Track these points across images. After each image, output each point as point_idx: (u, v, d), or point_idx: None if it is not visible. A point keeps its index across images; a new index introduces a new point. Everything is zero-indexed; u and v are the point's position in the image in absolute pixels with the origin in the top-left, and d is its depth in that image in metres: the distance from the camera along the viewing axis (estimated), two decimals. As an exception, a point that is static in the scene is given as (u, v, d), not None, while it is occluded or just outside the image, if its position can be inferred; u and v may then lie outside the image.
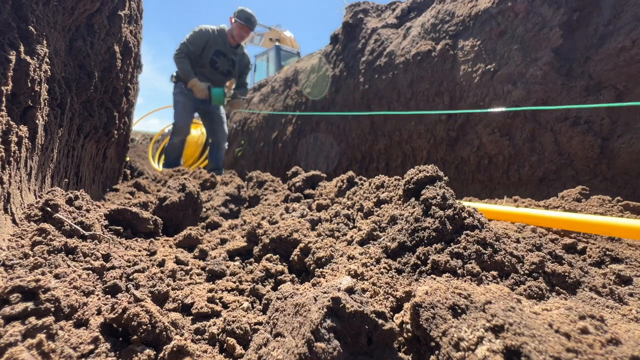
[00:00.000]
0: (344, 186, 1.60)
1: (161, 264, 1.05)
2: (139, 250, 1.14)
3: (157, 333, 0.63)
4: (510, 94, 2.69)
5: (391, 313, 0.71)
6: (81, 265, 0.84)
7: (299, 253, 1.06)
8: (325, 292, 0.57)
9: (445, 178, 1.03)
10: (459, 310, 0.52)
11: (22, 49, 0.99)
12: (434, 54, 3.32)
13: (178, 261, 1.11)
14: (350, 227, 1.25)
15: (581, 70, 2.34)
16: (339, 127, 4.49)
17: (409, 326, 0.58)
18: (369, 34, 4.32)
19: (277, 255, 1.12)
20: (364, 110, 4.09)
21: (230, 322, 0.74)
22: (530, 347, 0.42)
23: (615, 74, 2.16)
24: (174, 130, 4.25)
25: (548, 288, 0.75)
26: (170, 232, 1.52)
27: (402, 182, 1.09)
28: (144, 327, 0.62)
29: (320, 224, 1.33)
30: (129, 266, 0.93)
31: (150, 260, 1.07)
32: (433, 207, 0.91)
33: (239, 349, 0.68)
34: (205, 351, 0.68)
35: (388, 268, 0.86)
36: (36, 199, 1.14)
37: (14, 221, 0.92)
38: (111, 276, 0.85)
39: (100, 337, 0.62)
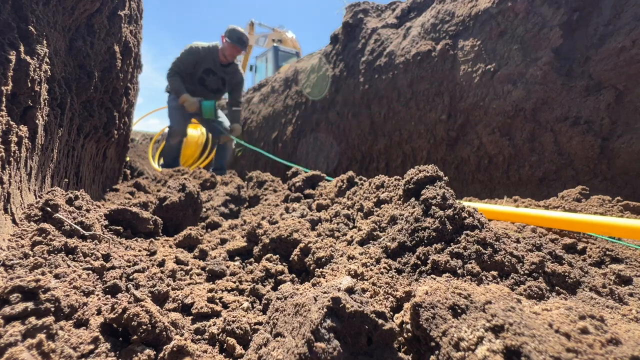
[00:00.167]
0: (344, 186, 1.60)
1: (161, 264, 1.05)
2: (139, 250, 1.14)
3: (157, 333, 0.63)
4: (510, 94, 2.69)
5: (391, 313, 0.71)
6: (81, 265, 0.84)
7: (299, 253, 1.06)
8: (325, 292, 0.57)
9: (445, 178, 1.03)
10: (459, 310, 0.52)
11: (22, 49, 0.99)
12: (434, 54, 3.32)
13: (178, 261, 1.11)
14: (350, 227, 1.25)
15: (581, 70, 2.34)
16: (339, 127, 4.49)
17: (409, 326, 0.58)
18: (369, 34, 4.32)
19: (277, 255, 1.12)
20: (363, 110, 4.09)
21: (230, 322, 0.74)
22: (530, 347, 0.42)
23: (615, 74, 2.16)
24: (170, 133, 4.27)
25: (548, 288, 0.75)
26: (170, 232, 1.52)
27: (402, 182, 1.09)
28: (144, 327, 0.62)
29: (320, 224, 1.33)
30: (129, 266, 0.93)
31: (150, 260, 1.07)
32: (433, 207, 0.91)
33: (239, 349, 0.68)
34: (205, 351, 0.68)
35: (388, 268, 0.86)
36: (36, 199, 1.14)
37: (14, 221, 0.92)
38: (111, 276, 0.85)
39: (100, 337, 0.62)
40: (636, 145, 2.06)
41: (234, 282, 1.01)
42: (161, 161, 4.56)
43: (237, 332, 0.72)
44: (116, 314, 0.64)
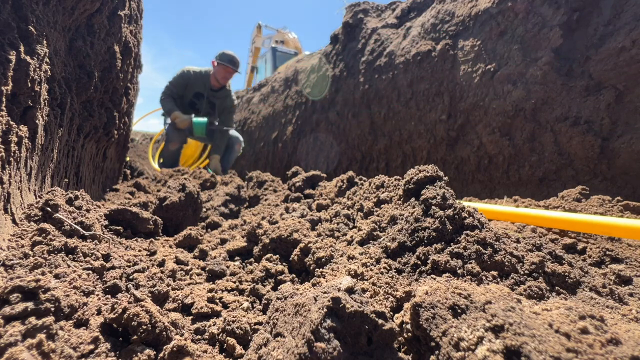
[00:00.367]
0: (344, 186, 1.60)
1: (161, 264, 1.05)
2: (139, 250, 1.14)
3: (157, 333, 0.63)
4: (510, 94, 2.69)
5: (391, 313, 0.71)
6: (81, 265, 0.84)
7: (299, 253, 1.06)
8: (325, 292, 0.57)
9: (445, 178, 1.03)
10: (459, 310, 0.52)
11: (22, 49, 0.99)
12: (434, 54, 3.32)
13: (178, 261, 1.11)
14: (350, 227, 1.25)
15: (581, 70, 2.34)
16: (339, 127, 4.49)
17: (409, 326, 0.58)
18: (369, 34, 4.32)
19: (277, 255, 1.12)
20: (363, 110, 4.09)
21: (230, 322, 0.74)
22: (530, 347, 0.42)
23: (615, 74, 2.16)
24: (168, 139, 4.26)
25: (548, 288, 0.75)
26: (170, 232, 1.52)
27: (402, 182, 1.09)
28: (144, 327, 0.62)
29: (320, 224, 1.33)
30: (129, 266, 0.93)
31: (150, 260, 1.07)
32: (433, 207, 0.91)
33: (239, 349, 0.68)
34: (205, 351, 0.68)
35: (388, 268, 0.86)
36: (36, 199, 1.14)
37: (14, 221, 0.92)
38: (111, 276, 0.85)
39: (100, 337, 0.62)
40: (636, 145, 2.06)
41: (234, 282, 1.01)
42: (161, 161, 4.56)
43: (237, 332, 0.72)
44: (116, 314, 0.64)
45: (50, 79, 1.26)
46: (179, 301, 0.84)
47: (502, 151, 2.79)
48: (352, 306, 0.53)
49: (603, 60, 2.21)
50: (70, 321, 0.64)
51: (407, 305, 0.61)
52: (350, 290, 0.58)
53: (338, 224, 1.27)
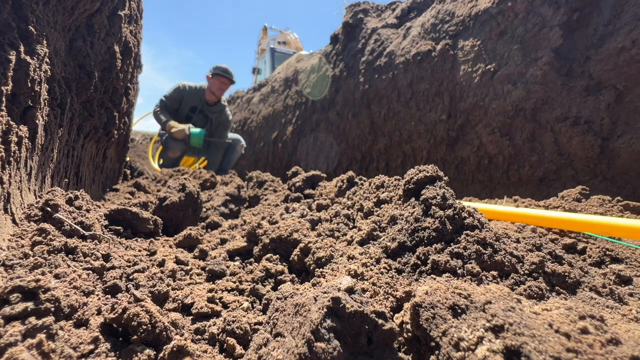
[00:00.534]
0: (344, 186, 1.60)
1: (161, 264, 1.05)
2: (139, 250, 1.14)
3: (157, 333, 0.63)
4: (510, 94, 2.69)
5: (391, 313, 0.71)
6: (81, 265, 0.84)
7: (299, 253, 1.06)
8: (325, 292, 0.57)
9: (445, 178, 1.03)
10: (459, 310, 0.52)
11: (22, 49, 0.99)
12: (434, 54, 3.32)
13: (178, 261, 1.11)
14: (350, 227, 1.25)
15: (581, 70, 2.34)
16: (339, 127, 4.49)
17: (409, 326, 0.58)
18: (369, 34, 4.32)
19: (277, 255, 1.12)
20: (363, 110, 4.09)
21: (230, 322, 0.74)
22: (530, 347, 0.42)
23: (615, 74, 2.16)
24: (167, 147, 4.23)
25: (548, 288, 0.75)
26: (170, 232, 1.52)
27: (402, 182, 1.09)
28: (144, 327, 0.62)
29: (320, 224, 1.33)
30: (129, 266, 0.93)
31: (150, 260, 1.07)
32: (433, 207, 0.91)
33: (239, 349, 0.68)
34: (205, 351, 0.68)
35: (388, 268, 0.86)
36: (36, 199, 1.14)
37: (14, 221, 0.92)
38: (111, 276, 0.85)
39: (100, 337, 0.62)
40: (636, 145, 2.06)
41: (234, 282, 1.01)
42: (161, 161, 4.55)
43: (237, 332, 0.72)
44: (116, 314, 0.64)
45: (50, 79, 1.26)
46: (179, 301, 0.84)
47: (502, 151, 2.79)
48: (352, 306, 0.53)
49: (603, 60, 2.21)
50: (70, 321, 0.64)
51: (407, 305, 0.61)
52: (350, 290, 0.58)
53: (338, 224, 1.27)
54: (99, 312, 0.70)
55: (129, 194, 2.26)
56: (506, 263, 0.77)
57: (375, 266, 0.88)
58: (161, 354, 0.60)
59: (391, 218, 1.05)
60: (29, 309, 0.57)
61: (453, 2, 3.38)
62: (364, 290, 0.76)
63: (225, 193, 2.15)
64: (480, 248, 0.78)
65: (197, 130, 4.01)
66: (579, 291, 0.78)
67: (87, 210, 1.12)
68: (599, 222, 1.16)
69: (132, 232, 1.30)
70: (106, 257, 0.94)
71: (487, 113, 2.86)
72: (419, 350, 0.57)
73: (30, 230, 0.91)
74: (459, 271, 0.76)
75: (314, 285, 0.84)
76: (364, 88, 4.08)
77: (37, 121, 1.10)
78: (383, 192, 1.26)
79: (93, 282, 0.80)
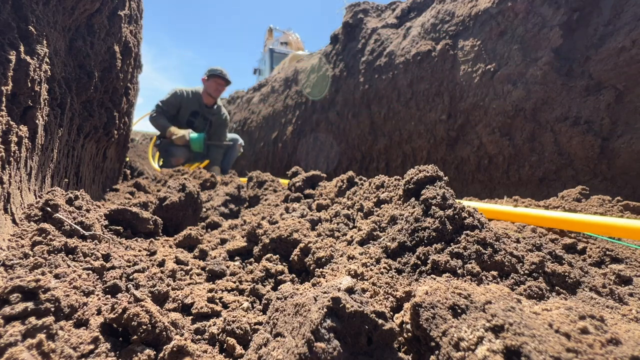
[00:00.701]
0: (344, 186, 1.60)
1: (161, 264, 1.05)
2: (139, 250, 1.14)
3: (157, 333, 0.63)
4: (510, 94, 2.69)
5: (391, 313, 0.71)
6: (81, 265, 0.84)
7: (299, 253, 1.06)
8: (325, 292, 0.57)
9: (445, 178, 1.03)
10: (459, 310, 0.52)
11: (22, 49, 0.99)
12: (434, 54, 3.32)
13: (178, 261, 1.11)
14: (350, 227, 1.25)
15: (581, 70, 2.34)
16: (339, 127, 4.49)
17: (409, 326, 0.58)
18: (369, 34, 4.32)
19: (277, 255, 1.12)
20: (363, 110, 4.09)
21: (230, 322, 0.74)
22: (530, 347, 0.42)
23: (615, 74, 2.16)
24: (169, 154, 4.21)
25: (548, 288, 0.75)
26: (170, 232, 1.52)
27: (402, 182, 1.09)
28: (144, 327, 0.62)
29: (320, 224, 1.33)
30: (129, 266, 0.93)
31: (150, 260, 1.07)
32: (433, 207, 0.91)
33: (239, 349, 0.68)
34: (205, 351, 0.68)
35: (388, 268, 0.86)
36: (36, 199, 1.14)
37: (14, 221, 0.92)
38: (111, 276, 0.85)
39: (100, 337, 0.62)
40: (636, 145, 2.06)
41: (234, 282, 1.01)
42: (161, 162, 4.56)
43: (237, 332, 0.72)
44: (116, 314, 0.64)
45: (50, 79, 1.26)
46: (179, 301, 0.84)
47: (502, 151, 2.79)
48: (352, 306, 0.53)
49: (603, 60, 2.21)
50: (70, 321, 0.64)
51: (407, 305, 0.61)
52: (350, 290, 0.58)
53: (338, 224, 1.27)
54: (99, 312, 0.70)
55: (129, 194, 2.26)
56: (506, 263, 0.77)
57: (375, 266, 0.88)
58: (161, 354, 0.60)
59: (391, 218, 1.05)
60: (29, 309, 0.57)
61: (453, 2, 3.38)
62: (364, 290, 0.76)
63: (225, 193, 2.15)
64: (480, 248, 0.78)
65: (195, 135, 4.06)
66: (579, 291, 0.78)
67: (87, 210, 1.12)
68: (599, 222, 1.16)
69: (132, 232, 1.30)
70: (106, 257, 0.94)
71: (487, 113, 2.86)
72: (419, 350, 0.57)
73: (30, 230, 0.91)
74: (459, 271, 0.76)
75: (314, 285, 0.84)
76: (364, 88, 4.08)
77: (37, 121, 1.10)
78: (383, 192, 1.26)
79: (93, 282, 0.80)
